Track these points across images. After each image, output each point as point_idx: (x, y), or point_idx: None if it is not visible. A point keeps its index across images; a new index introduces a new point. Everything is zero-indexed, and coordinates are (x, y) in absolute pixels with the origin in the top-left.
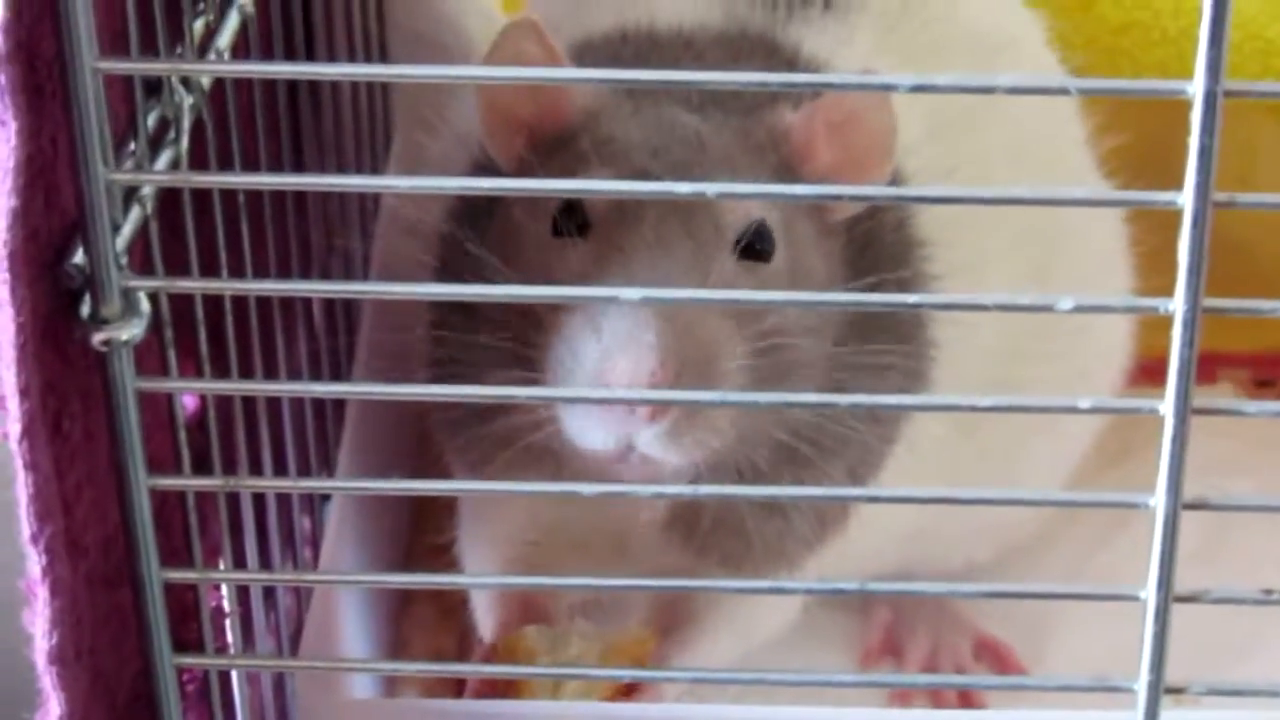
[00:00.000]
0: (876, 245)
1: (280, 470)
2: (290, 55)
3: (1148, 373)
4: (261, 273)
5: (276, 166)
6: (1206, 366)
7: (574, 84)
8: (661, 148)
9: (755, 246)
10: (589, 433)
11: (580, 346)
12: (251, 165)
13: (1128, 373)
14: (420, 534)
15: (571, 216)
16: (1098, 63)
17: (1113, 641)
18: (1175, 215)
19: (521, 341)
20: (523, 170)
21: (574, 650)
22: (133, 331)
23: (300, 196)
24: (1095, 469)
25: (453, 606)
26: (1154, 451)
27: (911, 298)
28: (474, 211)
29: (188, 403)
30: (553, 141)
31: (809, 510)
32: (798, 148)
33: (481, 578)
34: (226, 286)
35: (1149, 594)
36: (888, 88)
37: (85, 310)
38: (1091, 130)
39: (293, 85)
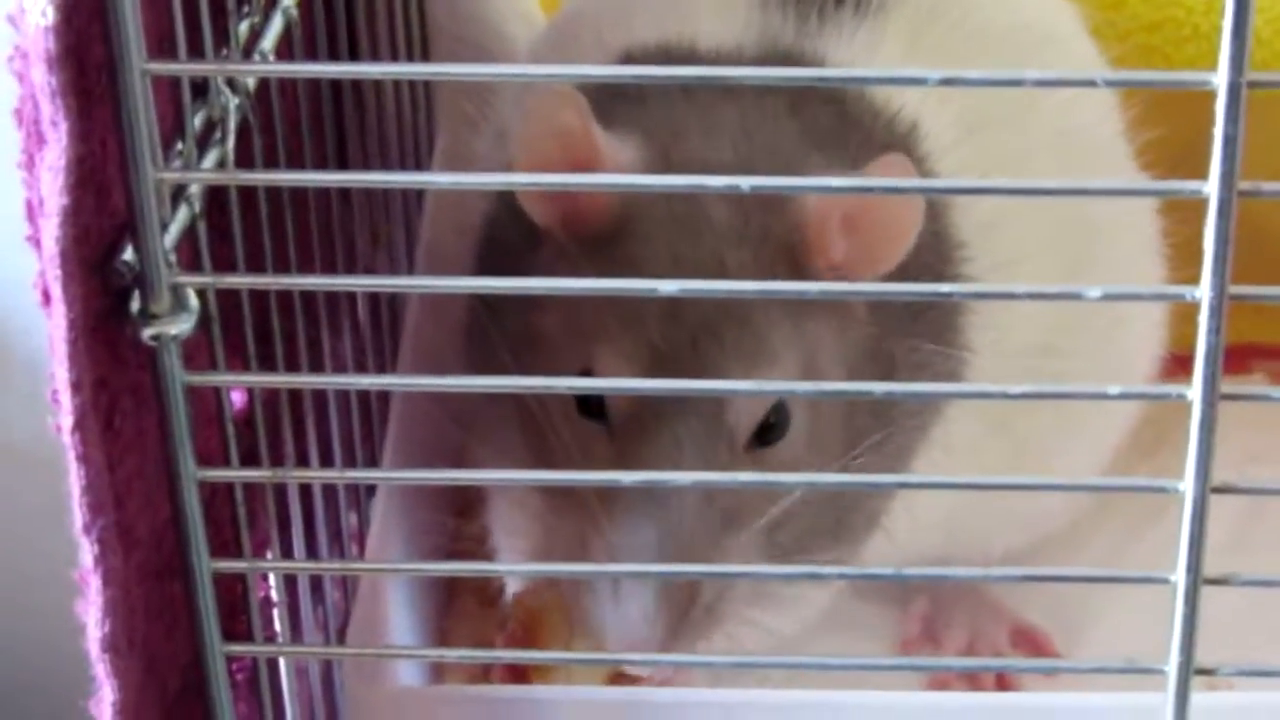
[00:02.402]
0: (912, 268)
1: (326, 466)
2: (334, 57)
3: (1182, 364)
4: (307, 269)
5: (321, 165)
6: (1240, 358)
7: (610, 156)
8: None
9: (772, 425)
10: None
11: (599, 603)
12: (296, 164)
13: (1161, 364)
14: (463, 527)
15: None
16: (1131, 58)
17: (1148, 628)
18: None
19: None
20: (556, 253)
21: None
22: (181, 327)
23: (345, 194)
24: (1128, 462)
25: (494, 598)
26: (1186, 433)
27: (944, 287)
28: (511, 221)
29: (236, 399)
30: (586, 220)
31: (860, 519)
32: (812, 242)
33: (518, 566)
34: (272, 282)
35: (1179, 577)
36: (916, 82)
37: (135, 307)
38: (1128, 124)
39: (336, 85)
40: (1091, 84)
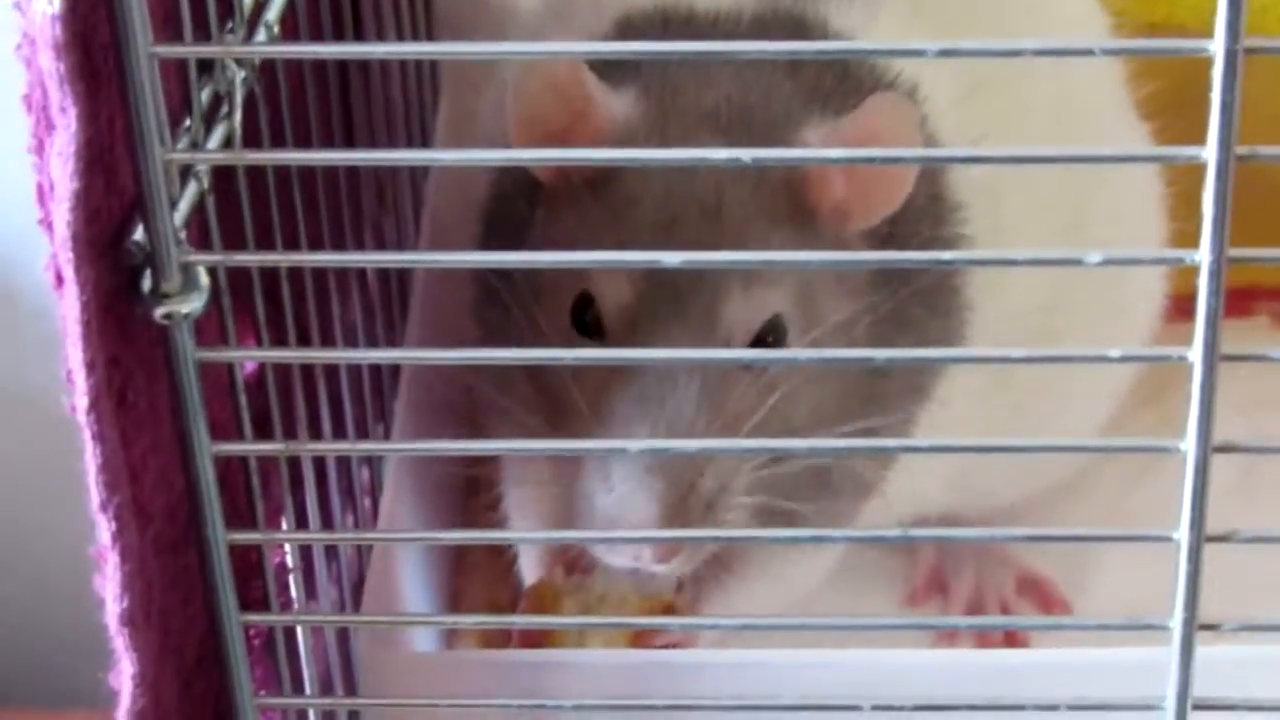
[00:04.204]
0: (909, 230)
1: (338, 427)
2: (338, 21)
3: (1183, 310)
4: (315, 235)
5: (327, 131)
6: (1242, 300)
7: (606, 107)
8: (679, 217)
9: (768, 340)
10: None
11: (593, 491)
12: (302, 132)
13: (1163, 312)
14: (474, 491)
15: (588, 309)
16: (1135, 4)
17: (1151, 574)
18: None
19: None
20: (556, 195)
21: (599, 590)
22: (193, 305)
23: None
24: (1132, 408)
25: (507, 559)
26: (1187, 392)
27: (944, 255)
28: (514, 180)
29: (247, 365)
30: (584, 171)
31: (850, 479)
32: (813, 181)
33: (529, 534)
34: (282, 259)
35: (1182, 535)
36: (915, 53)
37: (146, 286)
38: (1128, 76)
39: None
40: (1090, 53)
